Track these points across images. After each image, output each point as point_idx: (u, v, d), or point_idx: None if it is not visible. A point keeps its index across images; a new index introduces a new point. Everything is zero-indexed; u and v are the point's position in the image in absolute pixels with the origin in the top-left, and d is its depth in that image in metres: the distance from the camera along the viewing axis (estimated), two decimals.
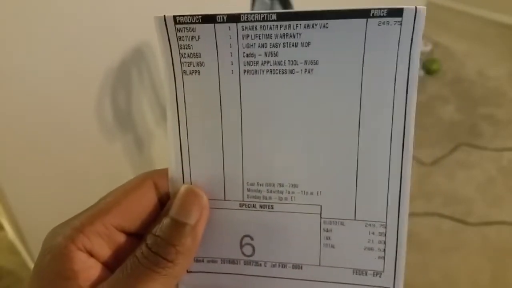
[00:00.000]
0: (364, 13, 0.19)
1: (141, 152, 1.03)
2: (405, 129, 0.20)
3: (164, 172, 0.22)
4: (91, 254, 0.19)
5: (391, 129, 0.20)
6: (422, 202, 1.19)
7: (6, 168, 0.77)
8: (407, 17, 0.18)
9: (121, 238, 0.20)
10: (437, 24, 2.01)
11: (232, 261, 0.22)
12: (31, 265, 0.87)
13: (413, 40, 0.19)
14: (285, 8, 0.90)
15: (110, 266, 0.20)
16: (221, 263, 0.22)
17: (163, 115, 1.01)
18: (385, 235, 0.21)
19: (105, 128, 0.93)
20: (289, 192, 0.21)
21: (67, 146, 0.85)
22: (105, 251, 0.20)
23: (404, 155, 0.20)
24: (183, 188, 0.21)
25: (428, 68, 1.72)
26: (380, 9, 0.18)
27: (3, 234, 1.18)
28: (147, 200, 0.21)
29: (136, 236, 0.20)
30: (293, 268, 0.22)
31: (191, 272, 0.22)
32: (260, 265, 0.22)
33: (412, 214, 1.14)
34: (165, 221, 0.20)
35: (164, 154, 1.04)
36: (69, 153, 0.85)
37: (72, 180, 0.88)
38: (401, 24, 0.18)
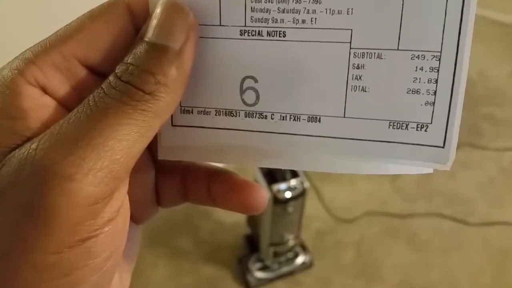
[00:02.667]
0: None
1: None
2: None
3: None
4: (45, 90, 0.15)
5: None
6: (423, 202, 1.18)
7: None
8: None
9: (84, 73, 0.16)
10: None
11: (230, 112, 0.17)
12: None
13: None
14: None
15: (69, 106, 0.15)
16: (216, 114, 0.17)
17: None
18: (438, 71, 0.15)
19: None
20: (308, 11, 0.15)
21: None
22: (63, 88, 0.15)
23: None
24: (161, 2, 0.15)
25: None
26: None
27: None
28: (118, 26, 0.16)
29: (104, 76, 0.15)
30: (308, 121, 0.16)
31: (176, 126, 0.17)
32: (266, 117, 0.17)
33: (412, 215, 1.14)
34: (140, 46, 0.15)
35: None
36: None
37: None
38: None
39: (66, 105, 0.15)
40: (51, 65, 0.15)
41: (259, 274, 0.98)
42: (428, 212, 1.16)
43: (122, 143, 0.14)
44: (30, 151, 0.13)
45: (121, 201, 0.15)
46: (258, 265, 0.99)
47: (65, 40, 0.15)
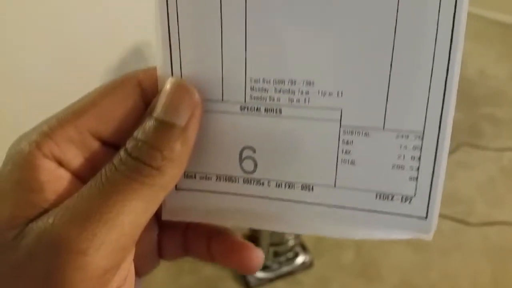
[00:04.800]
0: None
1: None
2: (456, 5, 0.15)
3: (151, 71, 0.18)
4: (60, 163, 0.16)
5: (439, 5, 0.15)
6: None
7: None
8: None
9: (97, 146, 0.17)
10: None
11: (230, 178, 0.18)
12: None
13: None
14: None
15: (83, 178, 0.16)
16: (216, 180, 0.18)
17: None
18: (421, 149, 0.16)
19: None
20: (302, 92, 0.17)
21: None
22: (77, 160, 0.16)
23: (453, 40, 0.15)
24: (169, 82, 0.17)
25: None
26: None
27: None
28: (129, 102, 0.17)
29: (115, 147, 0.17)
30: (302, 189, 0.18)
31: (180, 189, 0.19)
32: (263, 184, 0.18)
33: None
34: (149, 122, 0.16)
35: None
36: None
37: None
38: None
39: (79, 176, 0.16)
40: (66, 139, 0.16)
41: (259, 274, 0.98)
42: None
43: (131, 217, 0.15)
44: (47, 225, 0.14)
45: (127, 270, 0.16)
46: None
47: (80, 115, 0.16)
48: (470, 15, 0.16)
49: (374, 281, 1.00)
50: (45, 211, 0.15)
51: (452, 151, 1.40)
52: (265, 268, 0.99)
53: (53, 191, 0.15)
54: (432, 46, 0.16)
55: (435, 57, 0.16)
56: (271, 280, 0.98)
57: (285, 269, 1.00)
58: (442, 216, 1.16)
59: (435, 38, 0.15)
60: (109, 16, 0.83)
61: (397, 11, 0.15)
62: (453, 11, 0.15)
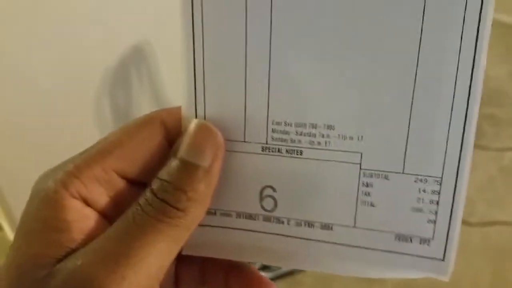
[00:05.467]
0: None
1: None
2: (475, 57, 0.15)
3: (175, 111, 0.18)
4: (86, 202, 0.16)
5: (458, 56, 0.15)
6: None
7: (5, 168, 0.77)
8: None
9: (122, 185, 0.17)
10: None
11: (250, 216, 0.19)
12: None
13: None
14: None
15: (109, 217, 0.17)
16: (236, 217, 0.19)
17: None
18: (439, 194, 0.17)
19: (105, 128, 0.92)
20: (323, 135, 0.17)
21: (67, 146, 0.84)
22: (102, 199, 0.17)
23: (472, 90, 0.16)
24: (193, 123, 0.17)
25: None
26: None
27: (2, 234, 1.18)
28: (154, 142, 0.17)
29: (139, 185, 0.17)
30: (321, 228, 0.18)
31: (201, 225, 0.19)
32: (282, 222, 0.19)
33: None
34: (173, 163, 0.16)
35: None
36: (68, 153, 0.85)
37: None
38: None
39: (105, 214, 0.17)
40: (92, 179, 0.16)
41: None
42: None
43: (157, 259, 0.15)
44: (76, 267, 0.15)
45: None
46: (258, 264, 0.99)
47: (106, 155, 0.17)
48: None
49: (374, 281, 1.00)
50: (72, 251, 0.15)
51: None
52: (265, 268, 0.99)
53: (80, 230, 0.16)
54: (451, 98, 0.16)
55: (453, 108, 0.16)
56: (271, 280, 0.98)
57: (285, 269, 1.00)
58: None
59: (453, 90, 0.16)
60: (109, 15, 0.83)
61: (417, 65, 0.16)
62: (471, 66, 0.16)
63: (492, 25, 0.15)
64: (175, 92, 0.86)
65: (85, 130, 0.90)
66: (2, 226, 1.18)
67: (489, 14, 0.15)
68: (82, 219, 0.16)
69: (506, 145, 1.38)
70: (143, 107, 1.00)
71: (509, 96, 1.63)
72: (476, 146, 1.47)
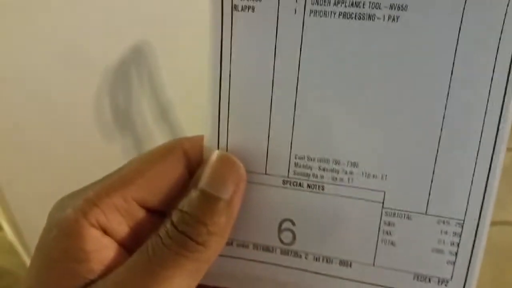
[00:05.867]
0: None
1: (141, 152, 1.03)
2: (504, 106, 0.16)
3: (196, 140, 0.18)
4: (105, 231, 0.16)
5: (487, 103, 0.16)
6: None
7: (4, 168, 0.77)
8: None
9: (141, 214, 0.17)
10: None
11: (267, 248, 0.19)
12: None
13: None
14: None
15: (128, 247, 0.16)
16: (254, 249, 0.19)
17: (163, 115, 1.01)
18: (460, 236, 0.17)
19: (105, 128, 0.92)
20: (346, 172, 0.17)
21: (66, 146, 0.85)
22: (122, 228, 0.16)
23: (498, 137, 0.16)
24: (215, 154, 0.17)
25: None
26: None
27: (2, 234, 1.18)
28: (175, 171, 0.17)
29: (159, 214, 0.17)
30: (340, 264, 0.18)
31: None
32: (300, 256, 0.18)
33: None
34: (194, 194, 0.16)
35: None
36: (68, 153, 0.85)
37: (72, 180, 0.87)
38: None
39: (124, 244, 0.16)
40: (112, 208, 0.16)
41: None
42: None
43: None
44: None
45: None
46: None
47: (126, 184, 0.16)
48: None
49: None
50: (91, 282, 0.15)
51: None
52: None
53: (98, 261, 0.15)
54: (477, 145, 0.16)
55: (478, 155, 0.16)
56: None
57: None
58: None
59: (479, 138, 0.16)
60: (109, 15, 0.83)
61: (445, 108, 0.16)
62: (498, 116, 0.16)
63: None
64: (175, 92, 0.86)
65: (85, 130, 0.89)
66: (2, 226, 1.18)
67: None
68: (101, 249, 0.16)
69: (507, 145, 1.38)
70: (143, 107, 1.00)
71: None
72: None
